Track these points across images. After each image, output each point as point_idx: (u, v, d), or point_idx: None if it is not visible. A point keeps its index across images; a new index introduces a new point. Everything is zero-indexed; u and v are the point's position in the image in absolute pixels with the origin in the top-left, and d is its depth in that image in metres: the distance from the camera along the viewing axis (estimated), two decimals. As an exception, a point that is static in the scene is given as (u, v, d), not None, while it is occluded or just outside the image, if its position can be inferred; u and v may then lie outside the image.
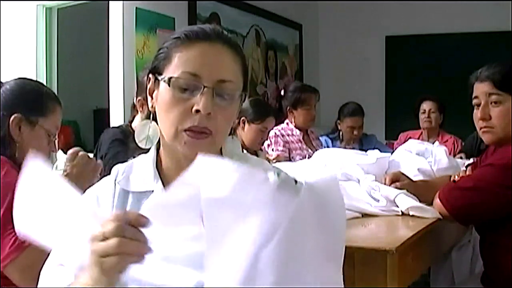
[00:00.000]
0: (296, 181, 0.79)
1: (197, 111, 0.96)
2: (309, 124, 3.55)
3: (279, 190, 0.76)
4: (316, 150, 2.97)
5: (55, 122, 1.60)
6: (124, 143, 2.19)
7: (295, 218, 0.76)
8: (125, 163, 1.08)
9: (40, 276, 0.99)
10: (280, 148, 3.33)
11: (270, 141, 3.32)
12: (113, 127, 2.54)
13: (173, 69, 0.99)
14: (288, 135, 3.43)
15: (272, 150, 3.31)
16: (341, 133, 3.93)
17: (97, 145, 2.41)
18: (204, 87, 0.96)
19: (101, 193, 1.04)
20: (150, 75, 1.04)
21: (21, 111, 1.51)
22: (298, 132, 3.47)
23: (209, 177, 0.76)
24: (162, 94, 1.00)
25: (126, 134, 2.24)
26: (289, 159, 3.25)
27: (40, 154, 1.55)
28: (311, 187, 0.79)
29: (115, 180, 1.04)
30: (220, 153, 1.07)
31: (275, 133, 3.36)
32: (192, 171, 0.76)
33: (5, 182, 1.39)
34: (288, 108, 3.50)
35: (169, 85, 0.98)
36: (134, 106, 2.48)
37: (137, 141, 1.06)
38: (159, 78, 1.00)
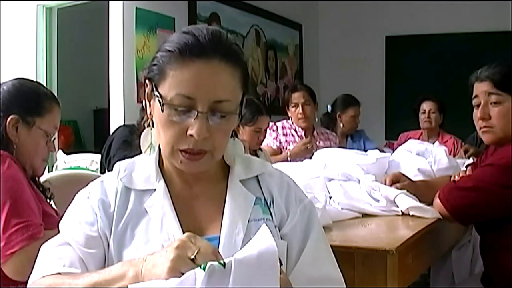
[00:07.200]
0: (224, 264, 0.82)
1: (192, 135, 0.95)
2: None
3: (208, 282, 0.80)
4: None
5: (53, 122, 1.59)
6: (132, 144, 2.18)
7: None
8: (127, 160, 1.09)
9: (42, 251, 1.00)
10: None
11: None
12: (122, 126, 2.53)
13: (167, 88, 0.96)
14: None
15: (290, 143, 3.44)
16: (341, 124, 3.94)
17: (106, 144, 2.40)
18: (198, 112, 0.94)
19: (108, 187, 1.04)
20: (147, 81, 1.02)
21: (17, 112, 1.51)
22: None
23: None
24: (157, 110, 0.98)
25: (135, 134, 2.23)
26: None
27: (38, 155, 1.56)
28: (240, 263, 0.83)
29: (117, 177, 1.05)
30: (222, 159, 1.07)
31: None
32: None
33: (8, 175, 1.40)
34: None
35: (162, 111, 0.95)
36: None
37: (142, 151, 1.06)
38: (155, 93, 0.98)
